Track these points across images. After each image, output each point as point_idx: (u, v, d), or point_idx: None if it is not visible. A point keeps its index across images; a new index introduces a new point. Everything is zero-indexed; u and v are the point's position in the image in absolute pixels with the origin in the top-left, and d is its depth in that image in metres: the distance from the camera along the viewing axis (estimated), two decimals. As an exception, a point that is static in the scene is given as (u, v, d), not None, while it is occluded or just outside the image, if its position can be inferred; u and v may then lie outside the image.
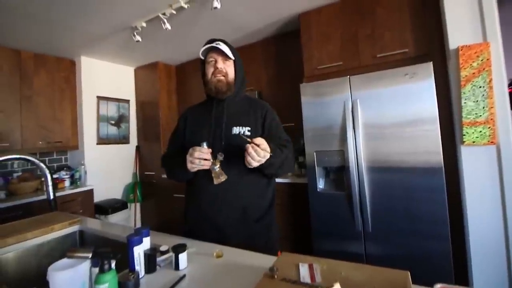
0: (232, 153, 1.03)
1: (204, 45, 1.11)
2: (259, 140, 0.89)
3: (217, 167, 0.98)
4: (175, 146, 1.21)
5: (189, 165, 0.98)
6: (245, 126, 1.08)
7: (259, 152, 0.88)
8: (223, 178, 0.99)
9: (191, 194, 1.15)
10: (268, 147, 0.90)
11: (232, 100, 1.14)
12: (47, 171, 0.96)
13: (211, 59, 1.10)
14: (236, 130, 1.07)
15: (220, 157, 0.98)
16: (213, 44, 1.08)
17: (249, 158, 0.89)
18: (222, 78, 1.09)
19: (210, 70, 1.11)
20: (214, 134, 1.09)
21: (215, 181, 0.99)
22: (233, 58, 1.11)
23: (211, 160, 0.97)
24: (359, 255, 1.86)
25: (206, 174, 1.02)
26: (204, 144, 0.97)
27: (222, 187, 1.02)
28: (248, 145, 0.89)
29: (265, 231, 1.09)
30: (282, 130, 1.16)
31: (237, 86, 1.13)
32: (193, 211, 1.13)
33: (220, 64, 1.09)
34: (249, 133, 1.06)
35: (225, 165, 1.01)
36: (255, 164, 0.90)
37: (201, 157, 0.96)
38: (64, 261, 0.62)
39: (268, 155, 0.90)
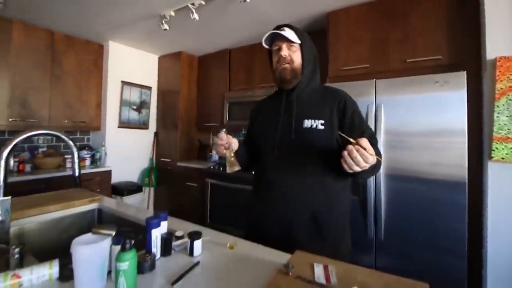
0: (304, 149, 0.94)
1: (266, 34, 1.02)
2: (366, 143, 0.73)
3: (230, 156, 0.95)
4: (245, 142, 1.16)
5: (216, 153, 0.99)
6: (318, 119, 0.96)
7: (366, 157, 0.72)
8: (236, 167, 0.95)
9: (257, 186, 1.07)
10: (373, 150, 0.74)
11: (303, 90, 1.02)
12: (74, 149, 1.00)
13: (275, 47, 1.02)
14: (307, 123, 0.96)
15: (222, 130, 0.96)
16: (277, 31, 0.98)
17: (351, 162, 0.74)
18: (287, 65, 0.99)
19: (275, 59, 1.03)
20: (283, 128, 1.00)
21: (228, 169, 0.96)
22: (298, 41, 0.99)
23: (226, 147, 0.95)
24: (369, 263, 1.82)
25: (273, 167, 0.99)
26: (222, 130, 0.96)
27: (291, 187, 0.95)
28: (350, 146, 0.74)
29: (336, 243, 0.95)
30: (366, 125, 1.00)
31: (306, 73, 1.01)
32: (259, 208, 1.05)
33: (285, 51, 0.99)
34: (322, 127, 0.95)
35: (295, 163, 0.95)
36: (357, 169, 0.75)
37: (217, 143, 0.95)
38: (89, 236, 0.65)
39: (374, 161, 0.75)
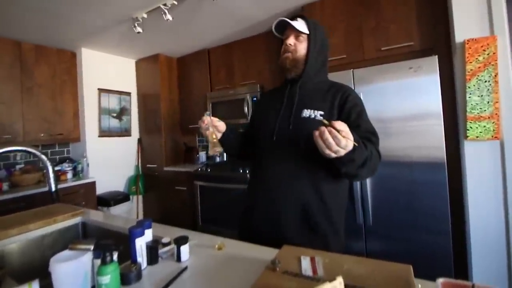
0: (300, 139, 0.91)
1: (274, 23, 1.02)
2: (340, 125, 0.67)
3: (212, 137, 0.98)
4: (244, 132, 1.19)
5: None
6: (318, 109, 0.93)
7: (339, 140, 0.66)
8: (217, 148, 0.99)
9: (253, 177, 1.06)
10: (351, 135, 0.69)
11: (307, 82, 1.00)
12: (48, 163, 0.96)
13: (285, 36, 1.02)
14: (306, 113, 0.94)
15: (206, 113, 1.00)
16: (287, 19, 0.97)
17: (322, 145, 0.68)
18: (289, 54, 0.98)
19: (282, 49, 1.02)
20: (282, 116, 0.99)
21: (209, 151, 1.01)
22: (306, 32, 0.97)
23: (208, 130, 0.98)
24: (360, 249, 1.87)
25: (269, 154, 0.98)
26: (206, 113, 1.00)
27: (282, 178, 0.92)
28: (323, 127, 0.68)
29: (326, 239, 0.90)
30: (365, 118, 0.93)
31: (311, 65, 0.98)
32: (250, 197, 1.03)
33: (290, 40, 0.98)
34: (321, 118, 0.90)
35: (290, 154, 0.93)
36: (330, 153, 0.68)
37: (200, 125, 0.98)
38: (66, 252, 0.63)
39: (350, 145, 0.68)
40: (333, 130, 0.66)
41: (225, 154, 3.34)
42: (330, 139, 0.66)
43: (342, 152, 0.69)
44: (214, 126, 0.99)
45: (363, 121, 0.91)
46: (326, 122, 0.69)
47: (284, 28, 1.02)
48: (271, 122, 1.00)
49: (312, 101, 0.96)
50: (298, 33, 0.98)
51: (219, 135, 1.01)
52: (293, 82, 1.02)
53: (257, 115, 1.14)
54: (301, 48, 0.98)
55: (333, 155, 0.69)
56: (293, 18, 1.00)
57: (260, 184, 0.98)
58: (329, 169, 0.88)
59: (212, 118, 0.99)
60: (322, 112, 0.92)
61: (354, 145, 0.69)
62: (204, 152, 3.53)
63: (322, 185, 0.91)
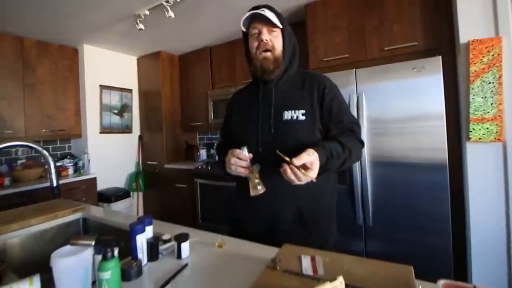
0: (286, 142, 0.88)
1: (246, 15, 0.92)
2: (300, 161, 0.73)
3: (255, 177, 0.83)
4: (225, 136, 1.10)
5: (228, 170, 0.89)
6: (298, 109, 0.90)
7: (299, 177, 0.74)
8: (261, 190, 0.83)
9: (241, 183, 1.01)
10: (315, 165, 0.75)
11: (280, 78, 0.95)
12: (49, 158, 0.96)
13: (254, 31, 0.92)
14: (287, 115, 0.90)
15: (256, 169, 0.83)
16: (257, 11, 0.89)
17: (288, 179, 0.76)
18: (269, 54, 0.91)
19: (254, 45, 0.93)
20: (262, 123, 0.93)
21: (252, 193, 0.84)
22: (280, 26, 0.91)
23: (249, 169, 0.84)
24: (359, 249, 1.86)
25: (257, 161, 0.90)
26: (245, 149, 0.85)
27: (275, 183, 0.87)
28: (285, 166, 0.74)
29: (322, 237, 0.92)
30: (345, 110, 0.93)
31: (286, 61, 0.94)
32: (242, 205, 1.01)
33: (265, 35, 0.90)
34: (303, 117, 0.89)
35: (275, 159, 0.85)
36: (298, 183, 0.76)
37: (237, 164, 0.84)
38: (67, 248, 0.63)
39: (313, 175, 0.75)
40: (294, 168, 0.74)
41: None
42: (293, 177, 0.74)
43: (309, 179, 0.75)
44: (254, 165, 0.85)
45: (344, 114, 0.92)
46: (287, 159, 0.75)
47: (250, 21, 0.93)
48: (252, 133, 0.94)
49: (291, 100, 0.92)
50: (271, 27, 0.91)
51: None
52: (265, 84, 0.96)
53: (234, 121, 1.04)
54: (278, 44, 0.92)
55: (301, 183, 0.76)
56: (257, 8, 0.92)
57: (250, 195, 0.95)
58: None
59: (249, 153, 0.85)
60: (303, 111, 0.90)
61: (314, 179, 0.75)
62: (205, 149, 3.53)
63: (313, 184, 0.87)
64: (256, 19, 0.92)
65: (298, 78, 0.97)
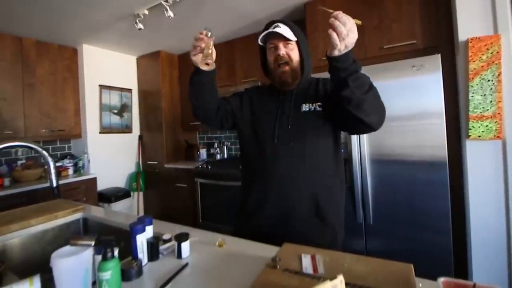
0: (304, 134, 0.94)
1: (262, 30, 0.99)
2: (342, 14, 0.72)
3: (208, 47, 0.87)
4: (224, 98, 1.10)
5: (192, 55, 0.91)
6: (316, 102, 0.96)
7: (344, 21, 0.70)
8: (211, 64, 0.89)
9: (251, 177, 1.04)
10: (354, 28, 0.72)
11: (299, 83, 1.02)
12: (49, 159, 0.96)
13: (271, 45, 0.98)
14: (305, 107, 0.97)
15: (211, 39, 0.88)
16: (271, 29, 0.95)
17: (334, 34, 0.71)
18: (287, 68, 0.95)
19: (271, 58, 0.99)
20: (280, 120, 0.98)
21: (201, 65, 0.89)
22: (295, 39, 0.96)
23: (206, 40, 0.87)
24: (360, 247, 1.87)
25: (272, 156, 0.96)
26: (206, 28, 0.89)
27: (291, 173, 0.93)
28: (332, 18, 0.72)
29: (334, 229, 0.97)
30: None
31: (307, 72, 1.00)
32: (256, 194, 1.00)
33: (281, 50, 0.95)
34: (320, 109, 0.95)
35: (294, 148, 0.94)
36: (340, 45, 0.72)
37: (195, 36, 0.88)
38: (67, 248, 0.63)
39: (358, 22, 0.72)
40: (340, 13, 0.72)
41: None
42: (345, 18, 0.71)
43: (350, 44, 0.72)
44: (211, 37, 0.89)
45: None
46: (331, 11, 0.73)
47: (267, 36, 0.99)
48: (268, 126, 0.99)
49: (307, 96, 0.99)
50: (286, 41, 0.95)
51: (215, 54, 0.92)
52: (286, 91, 1.01)
53: (251, 117, 1.06)
54: (295, 55, 0.97)
55: (343, 47, 0.72)
56: (272, 24, 0.98)
57: (267, 183, 0.97)
58: (331, 158, 0.96)
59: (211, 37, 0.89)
60: (320, 103, 0.96)
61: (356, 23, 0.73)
62: (205, 149, 3.53)
63: (328, 174, 0.96)
64: (271, 34, 0.96)
65: (313, 82, 1.04)
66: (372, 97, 0.80)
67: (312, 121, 0.95)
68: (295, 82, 0.98)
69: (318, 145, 0.95)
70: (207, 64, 0.89)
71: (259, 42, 1.01)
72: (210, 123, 1.07)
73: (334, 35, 0.71)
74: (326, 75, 0.88)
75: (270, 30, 0.95)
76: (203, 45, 0.87)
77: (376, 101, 0.83)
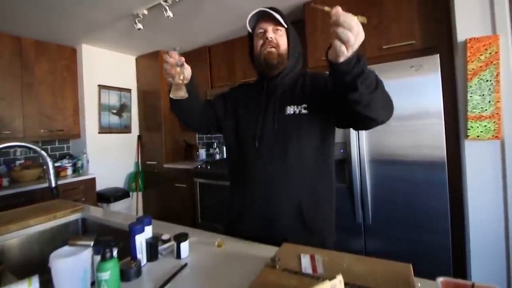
0: (287, 137, 0.90)
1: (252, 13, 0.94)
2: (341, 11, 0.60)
3: (179, 77, 0.82)
4: (207, 101, 1.07)
5: (164, 73, 0.86)
6: (301, 103, 0.91)
7: (349, 25, 0.59)
8: (183, 94, 0.83)
9: (236, 180, 1.02)
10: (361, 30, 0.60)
11: (285, 76, 0.96)
12: (48, 159, 0.96)
13: (260, 30, 0.94)
14: (290, 109, 0.92)
15: (182, 69, 0.83)
16: (263, 8, 0.91)
17: (339, 44, 0.59)
18: (273, 50, 0.91)
19: (259, 43, 0.94)
20: (264, 119, 0.95)
21: (172, 94, 0.83)
22: (285, 26, 0.93)
23: (176, 67, 0.82)
24: (359, 248, 1.87)
25: (254, 159, 0.93)
26: (176, 48, 0.84)
27: (274, 179, 0.89)
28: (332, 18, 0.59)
29: (322, 237, 0.91)
30: None
31: (291, 60, 0.95)
32: (238, 201, 0.98)
33: (270, 33, 0.92)
34: (305, 111, 0.90)
35: (276, 152, 0.90)
36: (348, 53, 0.60)
37: (166, 60, 0.82)
38: (66, 248, 0.63)
39: (362, 34, 0.59)
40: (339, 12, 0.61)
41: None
42: (348, 17, 0.60)
43: (355, 44, 0.59)
44: (182, 66, 0.83)
45: None
46: (327, 9, 0.61)
47: (256, 21, 0.96)
48: (251, 126, 0.96)
49: (293, 95, 0.94)
50: (276, 26, 0.93)
51: (188, 78, 0.88)
52: (270, 80, 0.98)
53: (234, 115, 1.03)
54: (283, 42, 0.93)
55: (350, 50, 0.60)
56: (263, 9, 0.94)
57: (250, 187, 0.94)
58: (318, 164, 0.91)
59: (181, 57, 0.84)
60: (305, 105, 0.91)
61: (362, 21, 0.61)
62: (204, 149, 3.52)
63: (314, 181, 0.91)
64: (261, 18, 0.94)
65: (300, 78, 0.99)
66: (380, 93, 0.72)
67: (296, 124, 0.91)
68: (280, 66, 0.93)
69: (302, 148, 0.90)
70: (180, 95, 0.83)
71: (248, 27, 0.98)
72: (197, 132, 1.06)
73: (340, 44, 0.59)
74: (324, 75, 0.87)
75: (263, 9, 0.91)
76: (173, 72, 0.82)
77: (384, 96, 0.77)
